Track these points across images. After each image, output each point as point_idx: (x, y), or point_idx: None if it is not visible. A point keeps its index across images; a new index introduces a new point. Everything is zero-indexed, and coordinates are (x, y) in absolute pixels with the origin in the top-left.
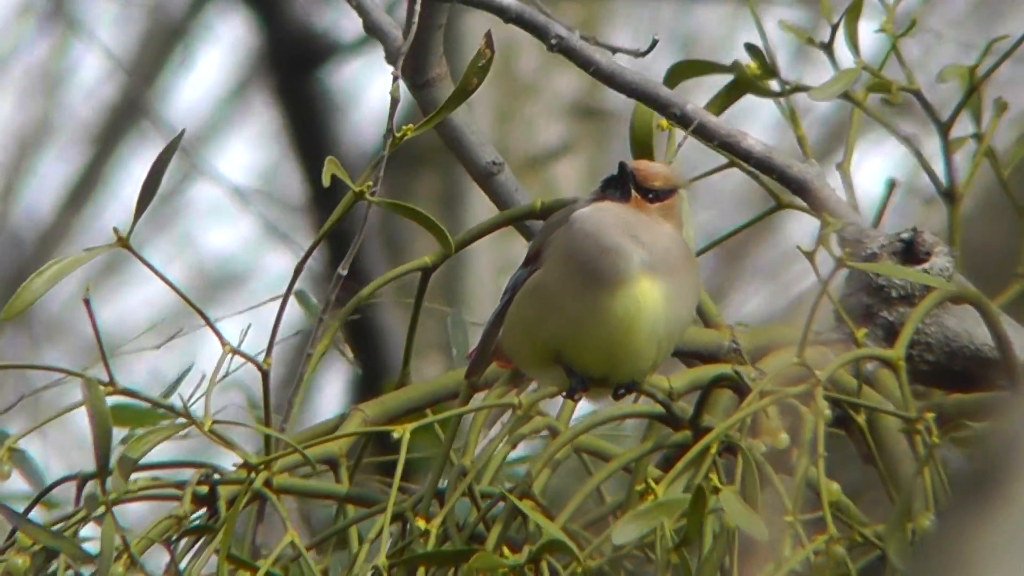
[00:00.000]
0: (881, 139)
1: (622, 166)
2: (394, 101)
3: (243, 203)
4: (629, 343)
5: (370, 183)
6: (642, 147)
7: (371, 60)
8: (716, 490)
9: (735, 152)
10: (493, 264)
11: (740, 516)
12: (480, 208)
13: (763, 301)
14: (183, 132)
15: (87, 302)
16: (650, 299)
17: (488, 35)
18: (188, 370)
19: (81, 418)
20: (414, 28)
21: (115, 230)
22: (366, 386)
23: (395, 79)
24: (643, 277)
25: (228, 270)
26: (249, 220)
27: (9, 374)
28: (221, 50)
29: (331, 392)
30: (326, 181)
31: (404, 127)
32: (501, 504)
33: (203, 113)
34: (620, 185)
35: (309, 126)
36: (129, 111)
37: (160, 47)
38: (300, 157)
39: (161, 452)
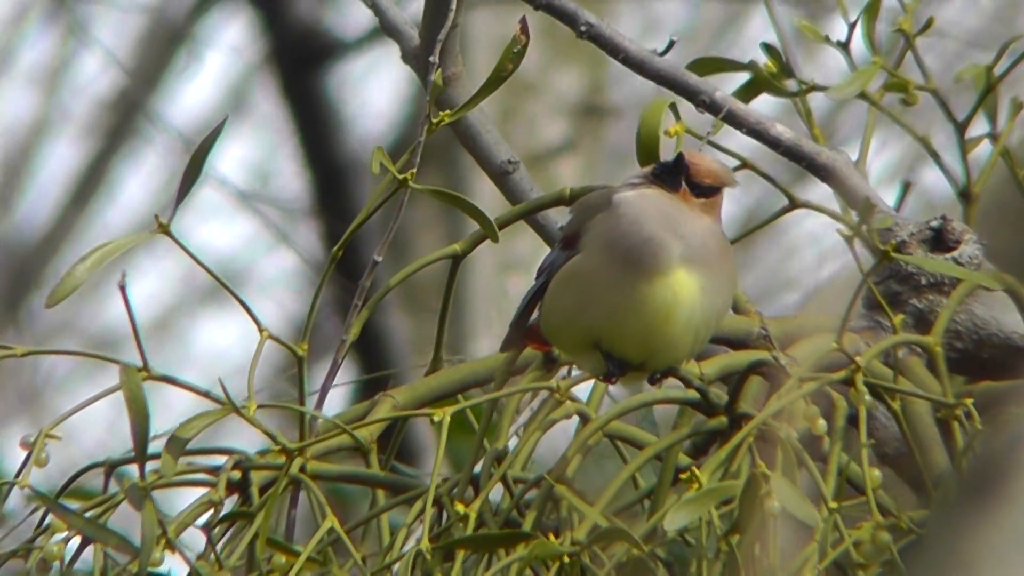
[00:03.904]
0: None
1: (680, 157)
2: (436, 87)
3: (244, 204)
4: (666, 332)
5: (413, 170)
6: (649, 153)
7: (374, 60)
8: (764, 476)
9: (764, 139)
10: (495, 263)
11: (791, 502)
12: (484, 205)
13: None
14: (226, 118)
15: (122, 288)
16: (687, 289)
17: (523, 21)
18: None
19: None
20: (450, 19)
21: (156, 216)
22: (368, 388)
23: (434, 66)
24: (680, 268)
25: (228, 270)
26: (250, 220)
27: (9, 375)
28: (223, 51)
29: (333, 392)
30: (375, 169)
31: (441, 113)
32: (532, 490)
33: (205, 114)
34: (672, 175)
35: (312, 126)
36: (130, 112)
37: (162, 48)
38: (303, 157)
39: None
